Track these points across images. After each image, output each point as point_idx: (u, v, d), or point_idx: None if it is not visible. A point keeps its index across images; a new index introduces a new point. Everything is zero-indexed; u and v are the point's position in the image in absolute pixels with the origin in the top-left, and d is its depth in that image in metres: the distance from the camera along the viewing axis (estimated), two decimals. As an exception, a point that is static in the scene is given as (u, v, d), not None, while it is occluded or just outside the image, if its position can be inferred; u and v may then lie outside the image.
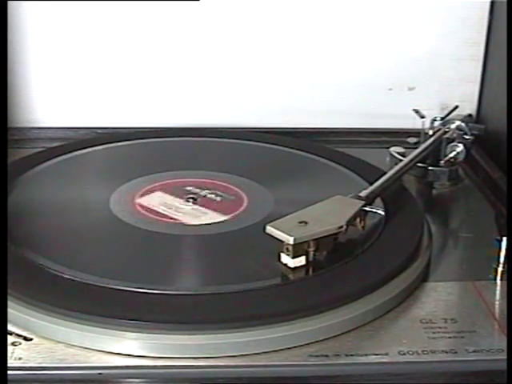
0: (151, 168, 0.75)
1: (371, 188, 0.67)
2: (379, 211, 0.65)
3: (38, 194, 0.71)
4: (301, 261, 0.59)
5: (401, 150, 0.81)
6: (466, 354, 0.54)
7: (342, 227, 0.60)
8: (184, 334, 0.52)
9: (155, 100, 0.91)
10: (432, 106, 0.90)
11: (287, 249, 0.58)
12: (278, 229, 0.59)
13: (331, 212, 0.62)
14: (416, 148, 0.78)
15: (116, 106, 0.90)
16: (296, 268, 0.58)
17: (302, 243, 0.58)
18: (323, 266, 0.59)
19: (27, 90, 0.89)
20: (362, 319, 0.56)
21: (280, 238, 0.58)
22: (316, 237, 0.59)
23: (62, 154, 0.78)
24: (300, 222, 0.59)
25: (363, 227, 0.63)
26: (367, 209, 0.64)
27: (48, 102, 0.90)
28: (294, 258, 0.58)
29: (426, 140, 0.79)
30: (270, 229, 0.59)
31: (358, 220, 0.63)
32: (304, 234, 0.58)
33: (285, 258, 0.59)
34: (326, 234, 0.59)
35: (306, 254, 0.59)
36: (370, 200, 0.65)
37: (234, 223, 0.66)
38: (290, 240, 0.58)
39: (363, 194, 0.65)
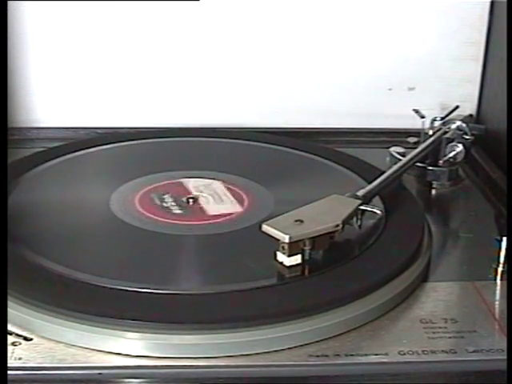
0: (151, 168, 0.75)
1: (368, 187, 0.67)
2: (376, 210, 0.64)
3: (38, 194, 0.71)
4: (296, 259, 0.59)
5: (401, 149, 0.81)
6: (465, 353, 0.54)
7: (338, 226, 0.60)
8: (184, 334, 0.52)
9: (155, 100, 0.90)
10: (432, 105, 0.89)
11: (283, 247, 0.58)
12: (273, 227, 0.59)
13: (327, 211, 0.62)
14: (416, 148, 0.78)
15: (116, 106, 0.90)
16: (292, 266, 0.58)
17: (297, 241, 0.58)
18: (324, 266, 0.59)
19: (27, 90, 0.89)
20: (362, 319, 0.56)
21: (276, 236, 0.58)
22: (312, 235, 0.59)
23: (62, 155, 0.78)
24: (296, 221, 0.59)
25: (360, 226, 0.63)
26: (364, 208, 0.64)
27: (48, 102, 0.90)
28: (289, 256, 0.58)
29: (425, 140, 0.79)
30: (265, 227, 0.59)
31: (354, 219, 0.63)
32: (299, 233, 0.58)
33: (281, 257, 0.59)
34: (321, 233, 0.59)
35: (302, 253, 0.59)
36: (367, 199, 0.65)
37: (234, 223, 0.66)
38: (286, 238, 0.58)
39: (360, 193, 0.65)
